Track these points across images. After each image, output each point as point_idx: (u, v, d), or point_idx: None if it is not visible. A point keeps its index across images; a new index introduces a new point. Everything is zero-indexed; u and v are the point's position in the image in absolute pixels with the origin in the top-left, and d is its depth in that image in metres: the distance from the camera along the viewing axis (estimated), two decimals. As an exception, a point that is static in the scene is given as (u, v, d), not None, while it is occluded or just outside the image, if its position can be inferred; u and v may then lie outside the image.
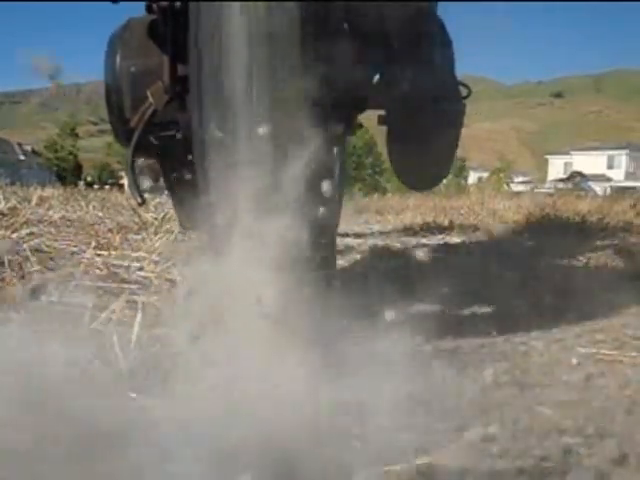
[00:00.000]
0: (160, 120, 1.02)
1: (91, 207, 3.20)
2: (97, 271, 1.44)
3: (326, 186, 0.75)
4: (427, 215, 3.88)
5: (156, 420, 0.59)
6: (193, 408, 0.62)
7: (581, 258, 2.01)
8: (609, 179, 40.47)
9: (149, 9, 0.95)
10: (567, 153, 50.96)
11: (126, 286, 1.32)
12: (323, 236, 0.76)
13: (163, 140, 1.08)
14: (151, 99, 0.99)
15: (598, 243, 2.14)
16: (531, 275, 1.18)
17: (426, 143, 1.15)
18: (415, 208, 4.43)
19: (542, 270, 1.25)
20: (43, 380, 0.63)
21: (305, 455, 0.53)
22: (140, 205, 1.10)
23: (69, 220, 2.60)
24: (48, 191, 4.54)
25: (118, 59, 1.05)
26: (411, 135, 1.15)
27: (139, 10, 1.01)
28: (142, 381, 0.73)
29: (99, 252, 1.63)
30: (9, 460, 0.51)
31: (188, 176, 1.31)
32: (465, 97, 1.16)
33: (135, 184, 1.04)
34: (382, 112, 1.15)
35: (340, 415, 0.62)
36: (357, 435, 0.59)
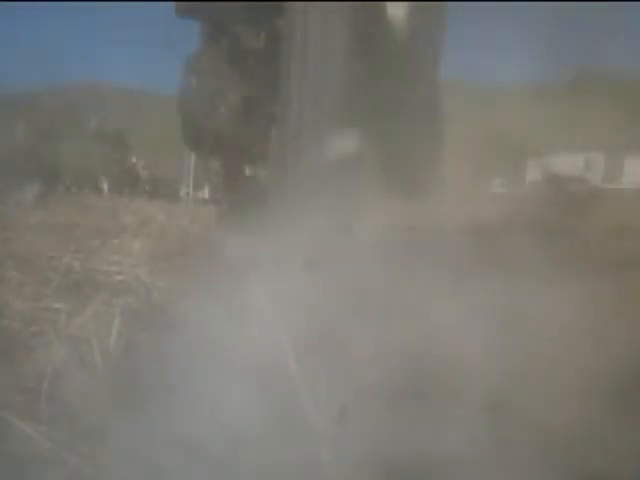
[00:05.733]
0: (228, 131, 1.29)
1: (69, 211, 3.17)
2: (75, 275, 1.44)
3: None
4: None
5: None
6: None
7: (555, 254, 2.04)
8: (586, 181, 41.08)
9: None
10: (544, 155, 51.64)
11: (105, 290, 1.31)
12: None
13: (229, 147, 1.34)
14: (224, 114, 1.27)
15: (571, 241, 2.17)
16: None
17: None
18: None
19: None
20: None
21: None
22: None
23: (47, 224, 2.57)
24: (26, 195, 4.48)
25: (194, 79, 1.31)
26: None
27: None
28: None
29: (77, 256, 1.62)
30: None
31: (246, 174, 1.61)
32: None
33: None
34: None
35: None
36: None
